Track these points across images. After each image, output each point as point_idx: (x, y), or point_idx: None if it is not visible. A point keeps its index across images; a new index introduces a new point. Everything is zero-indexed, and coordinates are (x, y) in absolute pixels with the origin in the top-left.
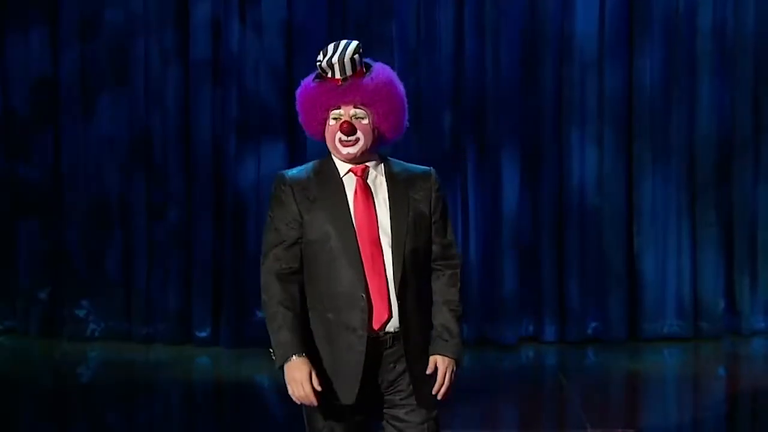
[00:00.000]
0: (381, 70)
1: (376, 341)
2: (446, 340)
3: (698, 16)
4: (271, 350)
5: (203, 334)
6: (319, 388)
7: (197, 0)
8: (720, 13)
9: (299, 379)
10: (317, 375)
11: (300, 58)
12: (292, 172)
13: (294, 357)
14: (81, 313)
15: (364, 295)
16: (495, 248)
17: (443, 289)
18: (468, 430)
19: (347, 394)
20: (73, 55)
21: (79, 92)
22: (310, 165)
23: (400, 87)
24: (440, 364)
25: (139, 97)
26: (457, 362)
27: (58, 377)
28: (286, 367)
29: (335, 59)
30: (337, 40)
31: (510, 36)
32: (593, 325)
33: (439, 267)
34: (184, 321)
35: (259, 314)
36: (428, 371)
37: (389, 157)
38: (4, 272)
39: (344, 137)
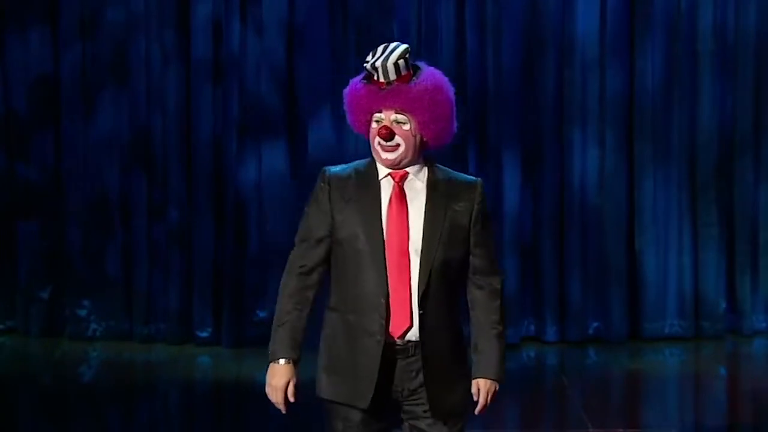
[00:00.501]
0: (428, 75)
1: (397, 349)
2: (487, 363)
3: (699, 16)
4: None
5: (204, 334)
6: (292, 399)
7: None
8: (721, 13)
9: (275, 385)
10: (294, 388)
11: (301, 58)
12: (336, 169)
13: (281, 360)
14: (82, 312)
15: (383, 301)
16: (496, 248)
17: (484, 305)
18: (469, 430)
19: (361, 398)
20: (74, 55)
21: (79, 92)
22: (354, 164)
23: (448, 93)
24: (482, 387)
25: (140, 97)
26: (500, 382)
27: (58, 377)
28: (269, 368)
29: (379, 63)
30: (339, 40)
31: (511, 36)
32: (594, 324)
33: (479, 281)
34: (185, 321)
35: (260, 314)
36: (474, 397)
37: (438, 165)
38: (4, 272)
39: (383, 142)
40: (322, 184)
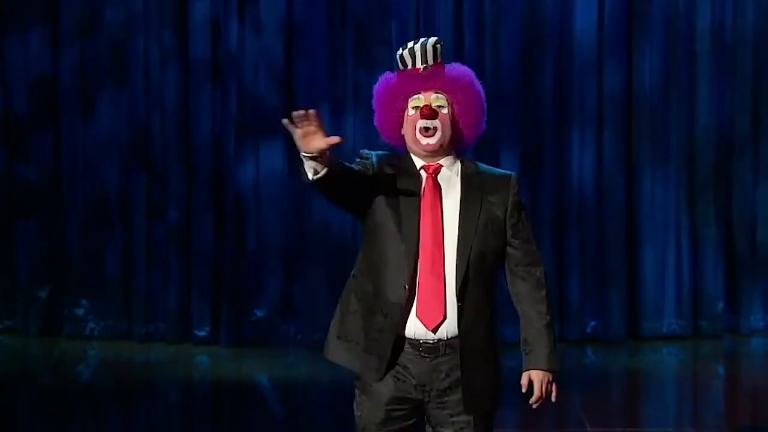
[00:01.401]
0: (461, 65)
1: (427, 347)
2: (538, 354)
3: (697, 15)
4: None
5: (202, 333)
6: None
7: None
8: (719, 13)
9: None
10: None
11: (299, 57)
12: (377, 152)
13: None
14: (80, 312)
15: (406, 287)
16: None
17: (530, 295)
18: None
19: (371, 374)
20: (73, 55)
21: (78, 92)
22: (390, 153)
23: (480, 85)
24: (535, 378)
25: (139, 97)
26: (554, 372)
27: (57, 376)
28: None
29: (417, 47)
30: (337, 39)
31: (509, 35)
32: (593, 323)
33: (521, 272)
34: (184, 320)
35: (259, 313)
36: (523, 389)
37: (470, 159)
38: (3, 271)
39: (424, 123)
40: (367, 159)
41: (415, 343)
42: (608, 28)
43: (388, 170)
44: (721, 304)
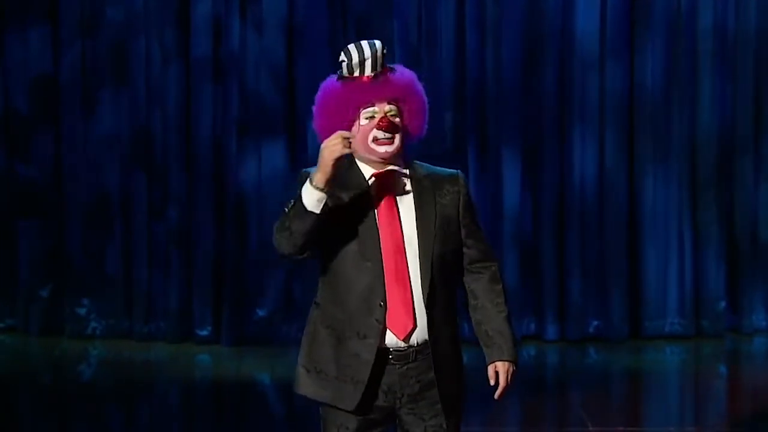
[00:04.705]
0: (404, 68)
1: (395, 354)
2: (501, 345)
3: (699, 15)
4: (291, 203)
5: (204, 332)
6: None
7: None
8: (721, 12)
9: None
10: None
11: (301, 56)
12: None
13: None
14: (82, 311)
15: (382, 303)
16: (496, 247)
17: (487, 290)
18: (469, 428)
19: (347, 401)
20: (74, 54)
21: (79, 91)
22: None
23: (422, 88)
24: (501, 369)
25: (140, 96)
26: (515, 363)
27: (58, 375)
28: (307, 185)
29: (367, 55)
30: (338, 38)
31: (511, 35)
32: (595, 323)
33: (476, 269)
34: (185, 319)
35: (260, 313)
36: (491, 382)
37: (415, 161)
38: (4, 270)
39: (382, 135)
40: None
41: (385, 353)
42: (610, 27)
43: (335, 188)
44: (722, 304)
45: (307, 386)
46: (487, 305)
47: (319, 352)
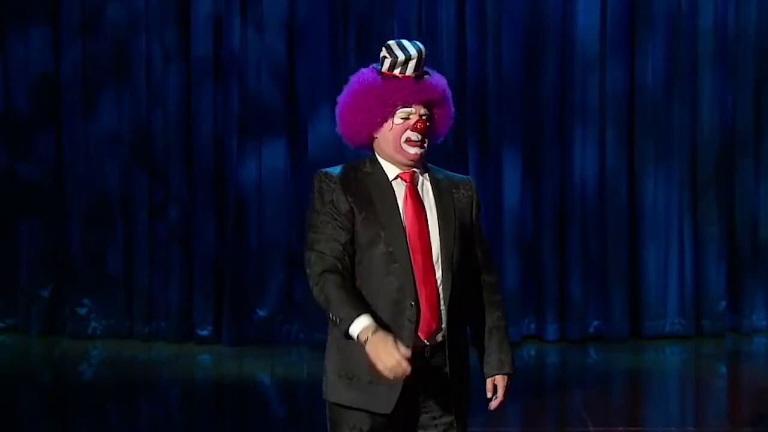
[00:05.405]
0: (437, 74)
1: (418, 353)
2: (502, 359)
3: (700, 14)
4: (338, 318)
5: (204, 332)
6: (408, 353)
7: None
8: (721, 12)
9: (389, 352)
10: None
11: (301, 55)
12: (336, 170)
13: (362, 317)
14: (82, 311)
15: (413, 303)
16: (497, 246)
17: (487, 300)
18: (470, 428)
19: (384, 404)
20: (75, 53)
21: (80, 90)
22: (351, 165)
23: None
24: (500, 383)
25: (141, 95)
26: (514, 374)
27: (59, 375)
28: (363, 342)
29: (413, 54)
30: (339, 38)
31: (512, 34)
32: (595, 323)
33: (482, 277)
34: (186, 319)
35: (261, 313)
36: (489, 394)
37: (429, 164)
38: (5, 270)
39: (416, 137)
40: (331, 185)
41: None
42: (611, 26)
43: (359, 188)
44: (723, 304)
45: (339, 393)
46: (486, 315)
47: (351, 357)
